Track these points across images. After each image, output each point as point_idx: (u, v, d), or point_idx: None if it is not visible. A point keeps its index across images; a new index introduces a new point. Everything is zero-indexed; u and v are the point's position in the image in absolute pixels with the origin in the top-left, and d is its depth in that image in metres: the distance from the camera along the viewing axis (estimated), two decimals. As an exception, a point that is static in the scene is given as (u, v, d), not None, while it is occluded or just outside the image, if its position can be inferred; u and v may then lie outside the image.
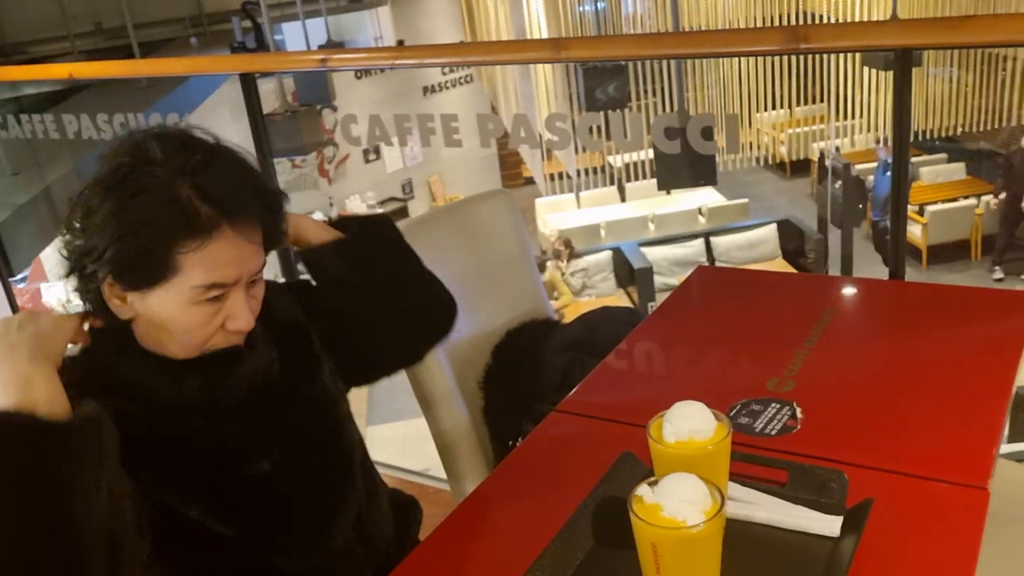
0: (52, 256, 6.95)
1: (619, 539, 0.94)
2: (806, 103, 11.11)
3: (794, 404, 1.26)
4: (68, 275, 1.02)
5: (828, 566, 0.94)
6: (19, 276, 4.67)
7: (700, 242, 8.91)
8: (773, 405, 1.27)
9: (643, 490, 0.86)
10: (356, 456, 1.23)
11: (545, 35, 10.03)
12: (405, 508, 1.37)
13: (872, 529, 0.97)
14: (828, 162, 8.43)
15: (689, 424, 0.95)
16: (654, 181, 8.42)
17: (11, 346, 0.90)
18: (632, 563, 0.88)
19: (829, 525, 0.99)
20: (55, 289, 6.97)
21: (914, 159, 10.01)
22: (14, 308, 3.59)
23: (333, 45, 7.59)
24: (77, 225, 0.99)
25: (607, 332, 1.77)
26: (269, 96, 7.82)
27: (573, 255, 8.33)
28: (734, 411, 1.26)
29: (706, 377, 1.47)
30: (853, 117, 10.52)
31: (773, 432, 1.21)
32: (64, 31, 7.51)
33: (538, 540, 1.02)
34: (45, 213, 4.31)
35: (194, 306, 1.00)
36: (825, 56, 9.76)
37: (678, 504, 0.83)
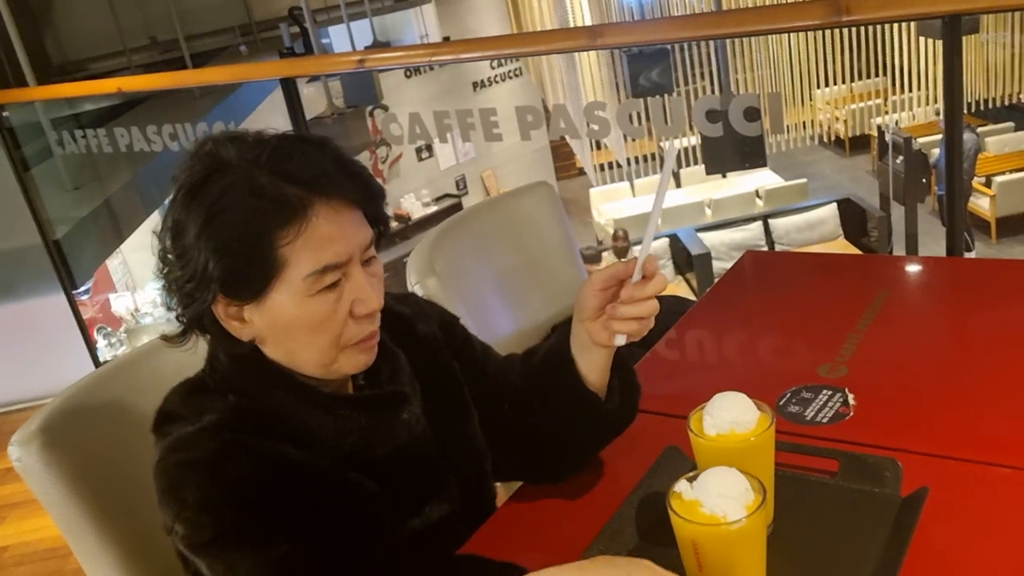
0: (118, 268, 7.15)
1: (663, 537, 0.91)
2: (863, 77, 10.81)
3: (846, 391, 1.21)
4: (182, 311, 0.93)
5: (882, 558, 0.90)
6: (82, 288, 4.79)
7: (758, 225, 8.76)
8: (824, 392, 1.23)
9: (682, 486, 0.84)
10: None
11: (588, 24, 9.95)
12: None
13: (928, 518, 0.93)
14: (888, 137, 8.19)
15: (730, 415, 0.92)
16: (706, 166, 8.29)
17: None
18: (678, 561, 0.86)
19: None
20: (124, 299, 7.16)
21: (980, 129, 9.66)
22: (78, 318, 3.70)
23: (379, 45, 7.63)
24: (171, 256, 0.92)
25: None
26: (321, 100, 7.91)
27: (620, 244, 8.21)
28: (784, 400, 1.22)
29: (755, 365, 1.43)
30: (911, 90, 10.21)
31: (824, 420, 1.17)
32: (121, 46, 7.68)
33: (582, 538, 1.00)
34: (106, 224, 4.42)
35: (313, 299, 0.91)
36: (879, 27, 9.49)
37: (717, 500, 0.80)
